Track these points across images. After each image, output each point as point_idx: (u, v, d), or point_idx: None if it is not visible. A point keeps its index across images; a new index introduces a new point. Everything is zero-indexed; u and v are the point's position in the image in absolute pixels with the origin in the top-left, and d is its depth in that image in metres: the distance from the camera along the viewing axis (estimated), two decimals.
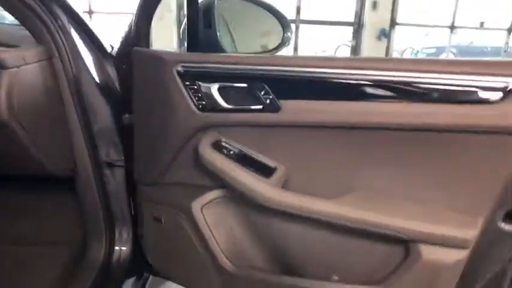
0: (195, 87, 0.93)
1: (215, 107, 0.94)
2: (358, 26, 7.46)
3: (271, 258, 1.05)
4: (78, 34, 1.15)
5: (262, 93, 0.89)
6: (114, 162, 1.21)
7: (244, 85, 0.90)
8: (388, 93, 0.82)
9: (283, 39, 1.18)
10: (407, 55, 9.68)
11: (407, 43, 9.77)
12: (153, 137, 1.07)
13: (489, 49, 10.26)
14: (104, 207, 1.23)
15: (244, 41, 1.21)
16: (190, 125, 0.98)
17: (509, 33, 7.88)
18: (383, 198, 0.89)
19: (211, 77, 0.93)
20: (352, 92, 0.85)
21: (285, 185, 0.97)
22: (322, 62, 0.87)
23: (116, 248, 1.28)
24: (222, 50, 1.04)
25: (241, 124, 0.95)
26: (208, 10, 1.02)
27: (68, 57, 1.08)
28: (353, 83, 0.84)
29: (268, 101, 0.89)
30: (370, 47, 7.40)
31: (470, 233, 0.81)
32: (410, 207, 0.86)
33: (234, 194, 1.01)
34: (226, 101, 0.93)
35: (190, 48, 1.03)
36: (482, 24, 8.58)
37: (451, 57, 8.73)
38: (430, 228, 0.82)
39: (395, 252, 0.89)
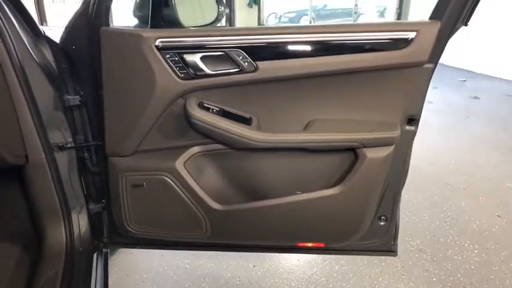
0: (176, 58, 1.08)
1: (198, 74, 1.10)
2: None
3: (248, 191, 1.29)
4: (16, 17, 1.14)
5: (240, 58, 1.09)
6: (65, 144, 1.24)
7: (223, 53, 1.09)
8: (333, 49, 1.11)
9: (218, 13, 1.40)
10: (271, 19, 10.34)
11: (272, 9, 10.41)
12: (130, 110, 1.17)
13: (339, 11, 11.56)
14: (58, 191, 1.24)
15: (187, 15, 1.38)
16: (171, 93, 1.13)
17: None
18: (337, 123, 1.20)
19: (192, 48, 1.09)
20: (309, 50, 1.11)
21: (260, 128, 1.19)
22: (286, 30, 1.11)
23: (75, 229, 1.31)
24: (180, 25, 1.20)
25: (223, 85, 1.14)
26: None
27: (12, 42, 1.07)
28: (309, 44, 1.10)
29: (246, 64, 1.10)
30: (243, 14, 7.77)
31: (395, 132, 1.17)
32: (355, 125, 1.19)
33: (213, 146, 1.20)
34: (208, 67, 1.10)
35: (153, 25, 1.16)
36: None
37: (311, 19, 9.59)
38: (372, 135, 1.16)
39: (346, 159, 1.22)
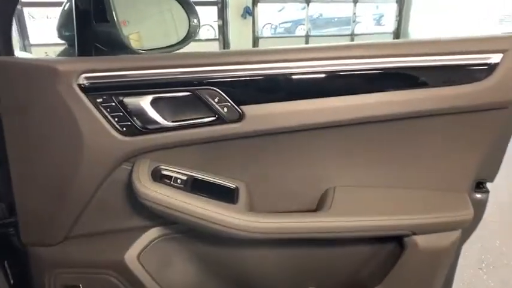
0: (113, 103, 0.70)
1: (149, 127, 0.73)
2: (222, 5, 7.41)
3: None
4: None
5: (216, 100, 0.71)
6: None
7: (188, 93, 0.71)
8: (364, 83, 0.73)
9: (189, 28, 1.00)
10: (267, 30, 10.05)
11: (265, 19, 10.16)
12: (50, 180, 0.79)
13: (336, 19, 11.32)
14: None
15: (141, 33, 0.99)
16: (108, 155, 0.75)
17: (355, 4, 8.86)
18: (370, 196, 0.81)
19: (138, 86, 0.71)
20: (325, 87, 0.73)
21: (252, 204, 0.82)
22: (287, 53, 0.73)
23: None
24: (126, 48, 0.81)
25: (190, 143, 0.76)
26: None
27: None
28: (325, 77, 0.73)
29: (225, 110, 0.71)
30: (237, 26, 7.50)
31: (465, 212, 0.79)
32: (399, 199, 0.81)
33: (181, 227, 0.82)
34: (164, 117, 0.72)
35: (81, 51, 0.78)
36: None
37: (308, 29, 9.34)
38: (428, 219, 0.78)
39: (385, 249, 0.83)
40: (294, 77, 0.72)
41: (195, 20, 0.99)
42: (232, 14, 7.45)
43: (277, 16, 10.91)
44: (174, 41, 1.04)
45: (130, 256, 0.82)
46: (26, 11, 6.08)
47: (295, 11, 10.37)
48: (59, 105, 0.70)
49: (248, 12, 7.52)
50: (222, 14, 7.45)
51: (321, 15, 11.56)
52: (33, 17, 6.41)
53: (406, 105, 0.73)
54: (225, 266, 0.88)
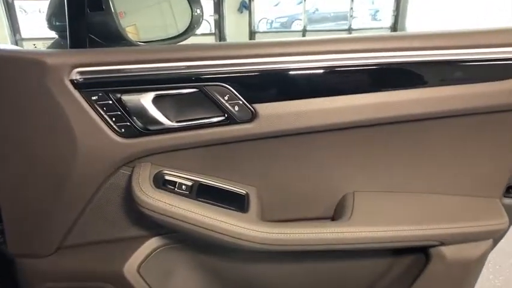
0: (109, 102, 0.64)
1: (151, 128, 0.66)
2: None
3: None
4: None
5: (227, 98, 0.64)
6: None
7: (195, 90, 0.64)
8: (390, 79, 0.66)
9: (192, 19, 0.93)
10: (263, 25, 10.01)
11: (261, 14, 10.14)
12: (40, 185, 0.73)
13: (332, 14, 11.27)
14: None
15: (140, 24, 0.92)
16: (106, 159, 0.68)
17: None
18: (393, 202, 0.75)
19: (138, 83, 0.64)
20: (348, 82, 0.67)
21: (264, 212, 0.76)
22: (304, 45, 0.66)
23: None
24: (124, 40, 0.74)
25: (197, 145, 0.69)
26: None
27: None
28: (347, 71, 0.67)
29: (236, 109, 0.65)
30: (233, 20, 7.44)
31: (500, 221, 0.74)
32: (424, 206, 0.75)
33: (185, 236, 0.76)
34: (168, 116, 0.66)
35: (74, 42, 0.70)
36: None
37: (305, 24, 9.29)
38: (458, 227, 0.72)
39: (407, 260, 0.78)
40: (312, 72, 0.66)
41: (198, 10, 0.93)
42: (229, 8, 7.39)
43: (273, 11, 10.85)
44: (174, 33, 0.97)
45: (130, 267, 0.76)
46: (17, 4, 5.96)
47: (291, 5, 10.31)
48: (49, 103, 0.63)
49: (245, 6, 7.47)
50: (218, 8, 7.38)
51: (317, 10, 11.50)
52: (24, 11, 6.30)
53: (434, 103, 0.67)
54: (233, 279, 0.82)
